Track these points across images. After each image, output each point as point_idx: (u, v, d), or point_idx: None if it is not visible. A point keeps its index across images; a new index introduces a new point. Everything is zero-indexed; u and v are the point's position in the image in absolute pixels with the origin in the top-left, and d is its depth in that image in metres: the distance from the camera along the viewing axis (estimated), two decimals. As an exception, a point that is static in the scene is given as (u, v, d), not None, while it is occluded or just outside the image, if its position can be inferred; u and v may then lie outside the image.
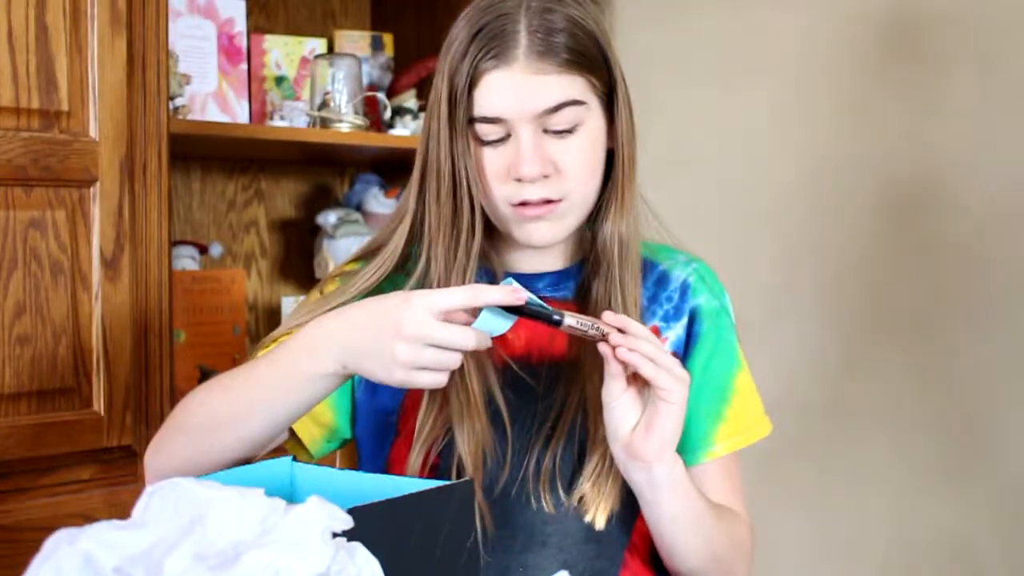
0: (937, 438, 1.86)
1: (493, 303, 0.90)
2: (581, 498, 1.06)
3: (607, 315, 0.95)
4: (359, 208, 2.28)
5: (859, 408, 1.96)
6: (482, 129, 1.05)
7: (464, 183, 1.06)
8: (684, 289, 1.15)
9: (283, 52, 2.21)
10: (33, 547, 0.70)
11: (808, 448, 2.01)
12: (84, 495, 1.54)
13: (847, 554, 1.97)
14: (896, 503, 1.91)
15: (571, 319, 0.93)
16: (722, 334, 1.14)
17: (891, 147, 1.91)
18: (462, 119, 1.04)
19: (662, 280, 1.15)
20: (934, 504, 1.86)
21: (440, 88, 1.06)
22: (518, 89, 1.02)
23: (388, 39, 2.38)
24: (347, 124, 2.06)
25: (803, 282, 2.04)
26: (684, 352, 1.13)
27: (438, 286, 1.06)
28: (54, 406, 1.49)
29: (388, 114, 2.18)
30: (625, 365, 0.96)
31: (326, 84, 2.06)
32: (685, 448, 1.12)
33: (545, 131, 1.04)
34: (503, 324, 0.93)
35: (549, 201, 1.05)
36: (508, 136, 1.04)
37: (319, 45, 2.26)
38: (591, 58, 1.05)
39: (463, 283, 1.05)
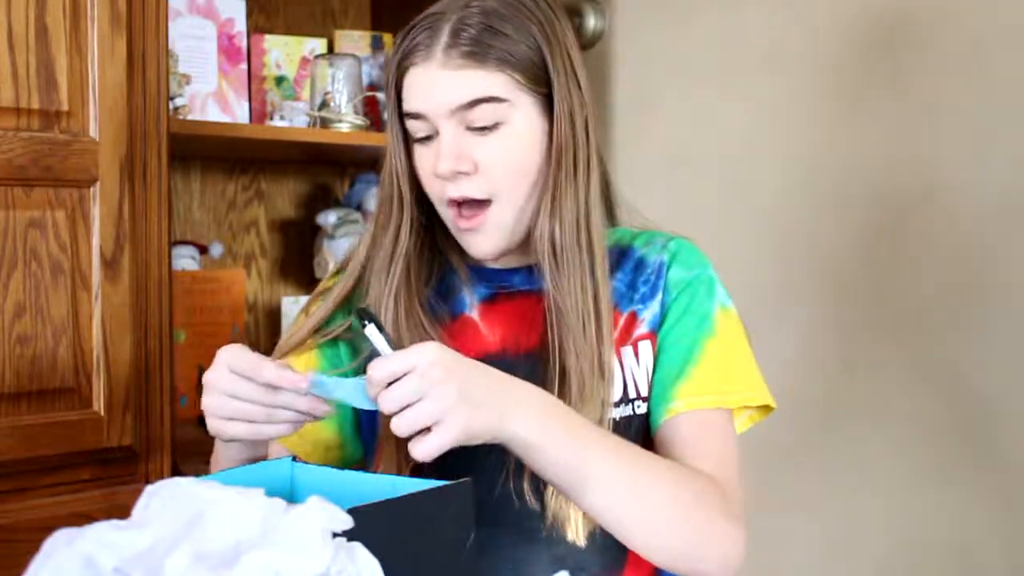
0: (937, 437, 1.85)
1: (273, 382, 0.89)
2: (555, 516, 1.04)
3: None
4: (359, 208, 2.28)
5: (858, 407, 1.96)
6: (411, 125, 1.06)
7: (395, 182, 1.08)
8: (659, 269, 1.14)
9: (283, 52, 2.21)
10: (33, 547, 0.70)
11: (807, 447, 2.01)
12: (84, 495, 1.54)
13: (847, 554, 1.97)
14: (896, 503, 1.90)
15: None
16: (696, 299, 1.12)
17: (890, 146, 1.91)
18: (395, 116, 1.06)
19: (639, 266, 1.15)
20: (934, 504, 1.85)
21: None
22: (432, 84, 1.02)
23: (388, 39, 2.38)
24: (347, 124, 2.06)
25: (802, 281, 2.04)
26: (659, 324, 1.12)
27: (370, 295, 1.09)
28: (54, 406, 1.49)
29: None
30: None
31: (326, 84, 2.06)
32: (650, 406, 1.10)
33: (468, 128, 1.04)
34: (361, 401, 0.90)
35: (476, 204, 1.05)
36: (437, 134, 1.05)
37: (319, 45, 2.26)
38: (521, 57, 1.03)
39: (392, 297, 1.08)
